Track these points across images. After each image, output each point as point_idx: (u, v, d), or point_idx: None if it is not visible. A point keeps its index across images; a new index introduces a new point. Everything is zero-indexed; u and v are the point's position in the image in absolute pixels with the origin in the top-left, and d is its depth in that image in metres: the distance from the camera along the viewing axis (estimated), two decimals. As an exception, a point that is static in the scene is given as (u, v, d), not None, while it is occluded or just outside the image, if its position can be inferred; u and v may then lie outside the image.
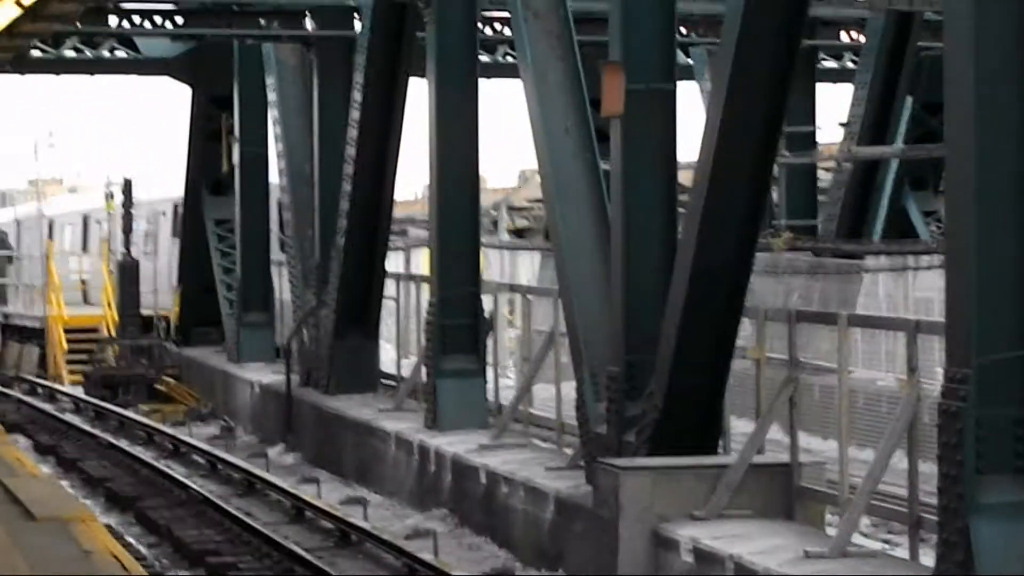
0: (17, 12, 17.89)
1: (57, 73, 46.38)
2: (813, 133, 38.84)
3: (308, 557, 23.89)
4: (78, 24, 34.41)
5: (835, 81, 42.72)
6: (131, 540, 25.14)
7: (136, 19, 37.29)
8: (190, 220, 46.82)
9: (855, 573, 17.08)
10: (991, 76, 15.64)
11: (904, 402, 17.62)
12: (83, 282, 57.59)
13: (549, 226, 24.55)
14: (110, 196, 54.03)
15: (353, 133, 33.00)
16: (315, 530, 26.48)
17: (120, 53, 44.53)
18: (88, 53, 42.92)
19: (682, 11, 23.02)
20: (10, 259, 58.91)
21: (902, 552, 17.68)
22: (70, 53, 41.38)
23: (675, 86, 21.99)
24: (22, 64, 37.15)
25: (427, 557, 23.31)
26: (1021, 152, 15.68)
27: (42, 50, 39.01)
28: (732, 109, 19.70)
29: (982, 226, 15.62)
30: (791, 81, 20.38)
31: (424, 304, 30.98)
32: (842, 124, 35.58)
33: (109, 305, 53.11)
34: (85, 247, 59.17)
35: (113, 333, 52.08)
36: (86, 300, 57.28)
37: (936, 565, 15.72)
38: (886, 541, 18.26)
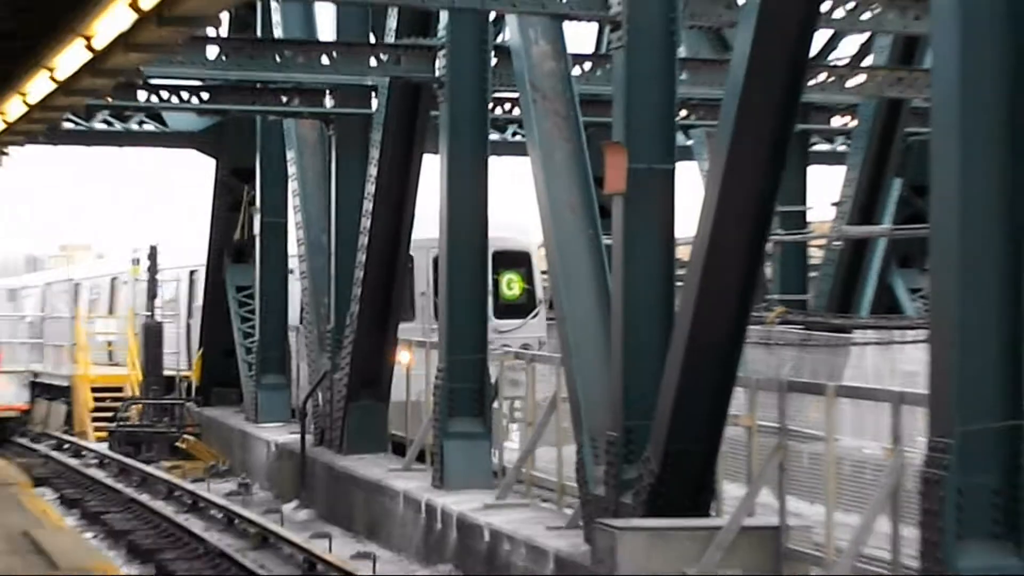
0: (51, 87, 17.95)
1: (88, 145, 46.48)
2: (805, 212, 38.92)
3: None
4: (109, 98, 34.60)
5: (827, 163, 42.80)
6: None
7: (164, 94, 37.43)
8: (212, 286, 47.00)
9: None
10: (976, 161, 15.70)
11: (888, 469, 17.64)
12: (109, 343, 57.42)
13: (553, 297, 24.65)
14: (136, 262, 54.17)
15: (368, 205, 33.13)
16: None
17: (148, 126, 44.75)
18: (118, 126, 43.09)
19: (682, 94, 23.05)
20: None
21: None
22: (100, 126, 41.41)
23: (674, 166, 22.07)
24: (54, 136, 37.12)
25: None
26: (1003, 234, 15.73)
27: (74, 122, 39.02)
28: (728, 188, 19.80)
29: (965, 303, 15.68)
30: (784, 162, 20.46)
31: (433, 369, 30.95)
32: (834, 204, 35.66)
33: (134, 365, 53.28)
34: (111, 310, 59.03)
35: (137, 392, 52.23)
36: (111, 360, 57.06)
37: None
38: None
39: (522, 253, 27.95)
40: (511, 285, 29.61)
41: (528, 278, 30.16)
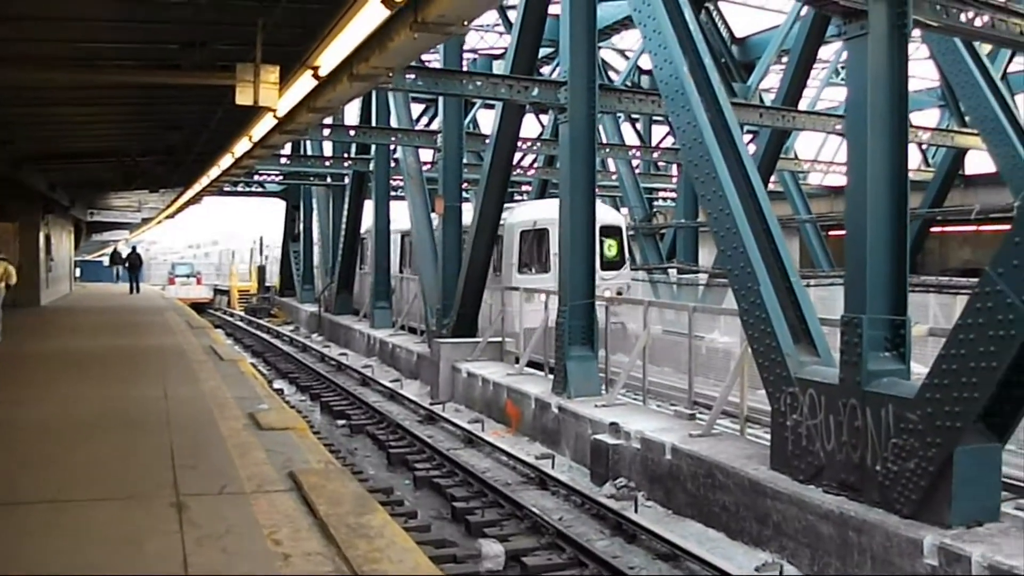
0: (248, 145, 16.74)
1: (234, 196, 45.52)
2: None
3: (322, 370, 23.60)
4: (244, 177, 34.27)
5: (523, 198, 42.45)
6: (261, 368, 24.72)
7: (266, 175, 36.91)
8: (283, 251, 46.24)
9: (522, 375, 17.05)
10: (576, 204, 15.57)
11: (544, 319, 17.54)
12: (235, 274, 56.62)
13: (415, 252, 24.31)
14: (256, 241, 53.74)
15: (343, 221, 32.65)
16: (327, 362, 26.13)
17: (256, 187, 44.01)
18: (241, 187, 42.39)
19: (465, 176, 22.75)
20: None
21: (541, 374, 17.55)
22: (230, 188, 40.36)
23: (462, 204, 21.89)
24: (218, 193, 36.57)
25: (368, 372, 23.10)
26: (586, 231, 15.64)
27: (231, 184, 38.15)
28: (483, 211, 19.71)
29: (567, 256, 15.52)
30: (504, 200, 20.30)
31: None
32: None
33: (255, 282, 52.84)
34: (242, 260, 58.49)
35: (256, 291, 51.64)
36: (245, 279, 56.49)
37: (553, 382, 15.62)
38: (535, 368, 18.20)
39: (616, 227, 23.71)
40: (610, 248, 23.26)
41: (620, 243, 23.65)
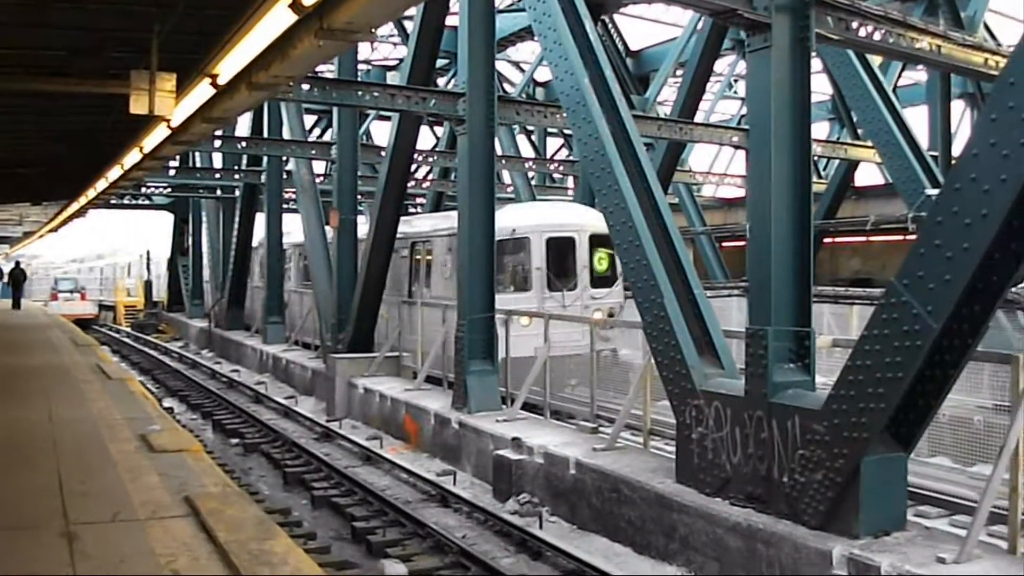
0: (139, 156, 16.02)
1: (120, 209, 44.37)
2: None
3: (213, 387, 23.17)
4: (131, 190, 33.46)
5: (418, 211, 42.25)
6: (151, 386, 24.12)
7: (152, 187, 36.02)
8: (171, 265, 45.41)
9: (420, 391, 16.89)
10: (474, 216, 15.46)
11: (444, 332, 17.39)
12: (129, 289, 55.22)
13: (310, 266, 23.96)
14: (144, 256, 52.64)
15: (234, 234, 32.05)
16: (218, 379, 25.62)
17: (144, 200, 43.04)
18: (128, 200, 41.41)
19: (360, 189, 22.53)
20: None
21: (440, 389, 17.39)
22: (116, 201, 39.36)
23: (357, 217, 21.68)
24: (104, 206, 35.58)
25: (261, 389, 22.72)
26: (481, 235, 15.55)
27: (117, 196, 37.19)
28: (379, 223, 19.44)
29: (466, 269, 15.43)
30: (400, 213, 20.08)
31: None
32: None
33: (142, 297, 51.68)
34: (129, 274, 57.13)
35: (143, 307, 50.48)
36: (132, 295, 55.11)
37: (453, 397, 15.51)
38: (433, 383, 18.04)
39: (608, 236, 18.22)
40: (601, 261, 19.30)
41: (612, 256, 18.97)
